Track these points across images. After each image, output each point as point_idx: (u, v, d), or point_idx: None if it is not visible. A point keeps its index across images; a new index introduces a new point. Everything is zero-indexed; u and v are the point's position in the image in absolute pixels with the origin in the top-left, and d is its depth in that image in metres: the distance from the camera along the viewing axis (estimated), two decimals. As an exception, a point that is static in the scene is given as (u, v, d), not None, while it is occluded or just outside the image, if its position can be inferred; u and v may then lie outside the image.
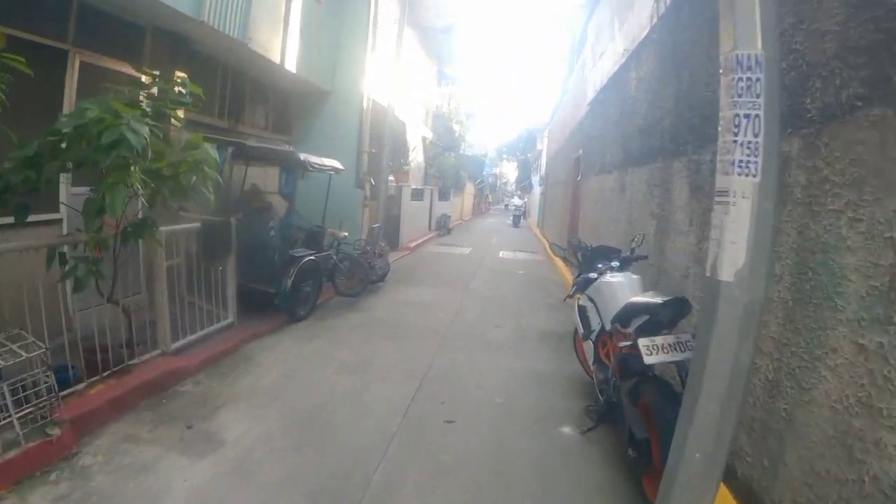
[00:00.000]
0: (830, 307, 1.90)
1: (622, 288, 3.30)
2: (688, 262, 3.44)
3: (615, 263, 3.75)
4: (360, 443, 2.97)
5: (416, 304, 6.54)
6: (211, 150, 3.11)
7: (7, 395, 2.44)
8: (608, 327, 3.26)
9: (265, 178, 6.58)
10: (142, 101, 3.10)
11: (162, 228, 3.55)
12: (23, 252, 2.77)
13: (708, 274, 1.71)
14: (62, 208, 3.77)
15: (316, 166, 5.51)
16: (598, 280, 3.60)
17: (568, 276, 8.38)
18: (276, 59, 6.34)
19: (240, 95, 6.94)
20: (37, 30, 3.69)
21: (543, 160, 22.21)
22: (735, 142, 1.61)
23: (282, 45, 6.42)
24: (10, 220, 2.76)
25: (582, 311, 3.82)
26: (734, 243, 1.61)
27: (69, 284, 2.86)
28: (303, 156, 5.35)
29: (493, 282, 8.63)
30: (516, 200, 28.68)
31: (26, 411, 2.53)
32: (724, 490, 2.36)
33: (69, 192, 3.77)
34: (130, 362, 3.38)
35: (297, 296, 5.30)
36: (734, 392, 1.65)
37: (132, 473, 2.51)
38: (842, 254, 1.87)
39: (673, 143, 4.01)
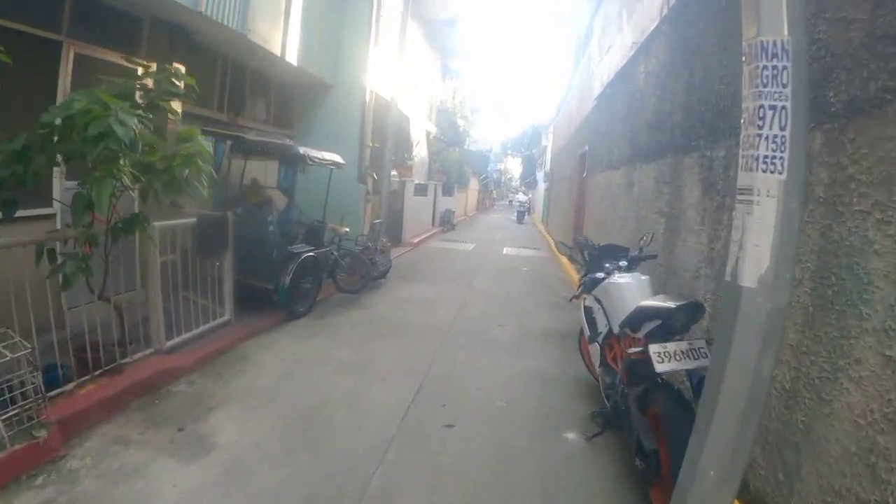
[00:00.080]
0: (855, 315, 1.77)
1: (631, 289, 3.16)
2: (699, 262, 3.32)
3: (623, 263, 3.61)
4: (358, 447, 2.88)
5: (418, 302, 6.44)
6: (205, 143, 3.01)
7: (-8, 396, 2.37)
8: (616, 330, 3.13)
9: (265, 172, 6.48)
10: (137, 92, 3.01)
11: (156, 223, 3.46)
12: (11, 248, 2.69)
13: (728, 278, 1.58)
14: (55, 203, 3.69)
15: (316, 160, 5.42)
16: (606, 280, 3.46)
17: (573, 273, 8.25)
18: (277, 50, 6.21)
19: (240, 88, 6.82)
20: (28, 20, 3.58)
21: (548, 156, 22.02)
22: (760, 136, 1.47)
23: (282, 36, 6.28)
24: (-1, 215, 2.67)
25: (588, 312, 3.69)
26: (757, 246, 1.47)
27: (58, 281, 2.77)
28: (302, 149, 5.26)
29: (496, 279, 8.52)
30: (521, 196, 28.37)
31: (12, 413, 2.45)
32: None
33: (63, 186, 3.68)
34: (122, 361, 3.30)
35: (296, 292, 5.21)
36: (753, 407, 1.53)
37: (121, 477, 2.43)
38: (868, 258, 1.74)
39: (684, 139, 3.87)
